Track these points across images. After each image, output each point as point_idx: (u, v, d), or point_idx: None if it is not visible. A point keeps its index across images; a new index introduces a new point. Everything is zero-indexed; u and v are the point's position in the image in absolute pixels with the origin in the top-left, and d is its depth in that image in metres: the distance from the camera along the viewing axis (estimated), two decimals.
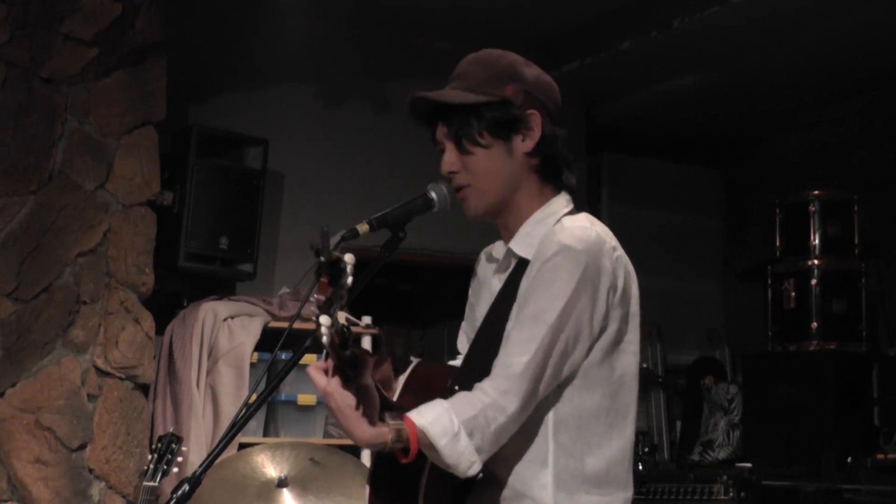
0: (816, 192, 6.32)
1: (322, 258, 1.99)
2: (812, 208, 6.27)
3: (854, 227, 6.26)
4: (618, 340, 2.38)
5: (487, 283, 2.56)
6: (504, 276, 2.46)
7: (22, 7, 5.05)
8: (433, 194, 2.44)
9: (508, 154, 2.41)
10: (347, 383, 2.12)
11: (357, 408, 2.12)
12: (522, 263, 2.40)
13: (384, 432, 2.13)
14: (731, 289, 8.18)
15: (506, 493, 2.34)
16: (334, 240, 2.31)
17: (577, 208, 2.47)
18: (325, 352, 2.06)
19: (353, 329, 2.09)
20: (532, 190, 2.45)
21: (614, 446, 2.38)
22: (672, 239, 8.05)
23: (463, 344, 2.66)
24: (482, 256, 2.63)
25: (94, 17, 5.14)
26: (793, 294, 6.24)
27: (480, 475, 2.29)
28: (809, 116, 7.67)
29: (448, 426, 2.16)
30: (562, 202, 2.46)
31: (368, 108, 6.61)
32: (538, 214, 2.44)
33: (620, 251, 2.39)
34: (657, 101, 7.45)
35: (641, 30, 6.42)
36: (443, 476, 2.25)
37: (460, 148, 2.41)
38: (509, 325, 2.34)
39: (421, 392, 2.34)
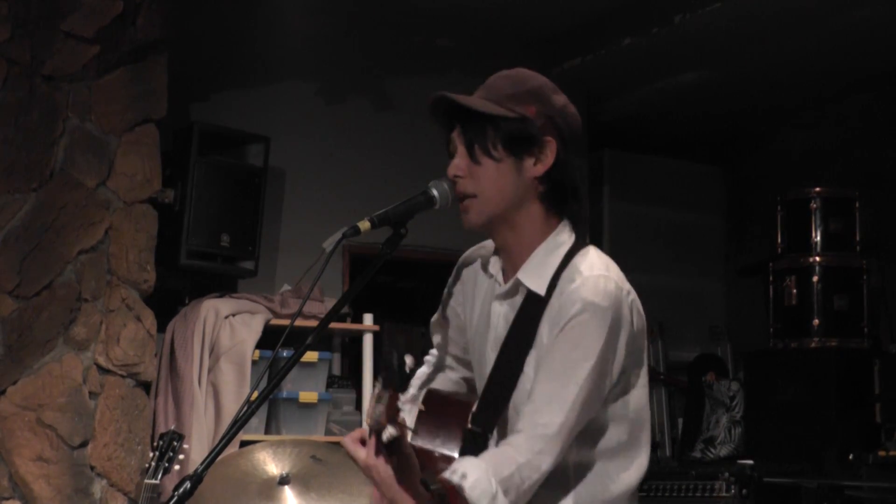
0: (818, 189, 6.32)
1: (397, 380, 2.03)
2: (813, 205, 6.27)
3: (855, 224, 6.26)
4: (631, 378, 2.43)
5: (484, 300, 2.56)
6: (513, 309, 2.46)
7: (23, 5, 5.05)
8: (434, 191, 2.43)
9: (517, 172, 2.41)
10: (391, 455, 2.18)
11: (401, 477, 2.17)
12: (533, 298, 2.41)
13: (426, 498, 2.18)
14: (733, 286, 8.18)
15: None
16: (335, 238, 2.32)
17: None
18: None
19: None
20: (535, 214, 2.45)
21: (633, 476, 2.45)
22: (673, 236, 8.05)
23: (440, 340, 2.74)
24: (469, 261, 2.63)
25: (96, 15, 5.14)
26: (794, 291, 6.24)
27: None
28: (811, 113, 7.66)
29: (487, 488, 2.22)
30: (565, 233, 2.46)
31: (370, 105, 6.61)
32: (547, 245, 2.44)
33: (633, 294, 2.43)
34: (658, 99, 7.45)
35: (643, 27, 6.42)
36: None
37: (471, 155, 2.41)
38: (530, 371, 2.38)
39: (438, 431, 2.39)
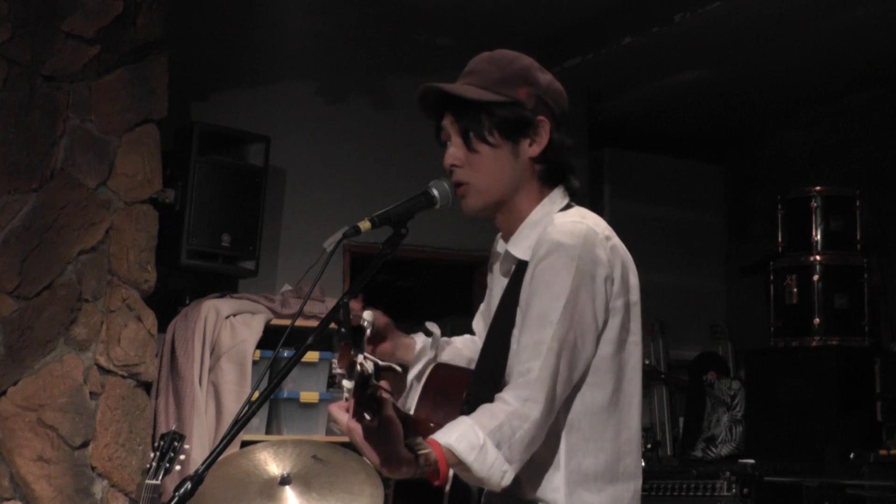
0: (818, 187, 6.32)
1: (343, 329, 2.00)
2: (814, 204, 6.27)
3: (856, 223, 6.26)
4: (623, 331, 2.38)
5: (496, 276, 2.57)
6: (506, 280, 2.47)
7: (23, 5, 5.05)
8: (435, 191, 2.44)
9: (514, 156, 2.42)
10: (371, 417, 2.12)
11: (382, 440, 2.10)
12: (522, 266, 2.40)
13: (412, 461, 2.13)
14: (734, 284, 8.18)
15: (520, 498, 2.34)
16: (335, 238, 2.32)
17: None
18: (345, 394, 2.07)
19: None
20: (532, 193, 2.45)
21: (623, 438, 2.38)
22: (674, 235, 8.05)
23: (479, 325, 2.70)
24: (495, 244, 2.62)
25: (96, 15, 5.14)
26: (795, 290, 6.24)
27: None
28: (811, 112, 7.66)
29: (474, 440, 2.17)
30: (556, 199, 2.46)
31: (370, 104, 6.61)
32: (534, 216, 2.44)
33: (616, 240, 2.39)
34: (659, 97, 7.45)
35: (643, 26, 6.42)
36: (463, 490, 2.27)
37: (467, 144, 2.41)
38: (516, 331, 2.35)
39: (437, 400, 2.39)
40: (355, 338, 1.99)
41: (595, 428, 2.35)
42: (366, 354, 2.02)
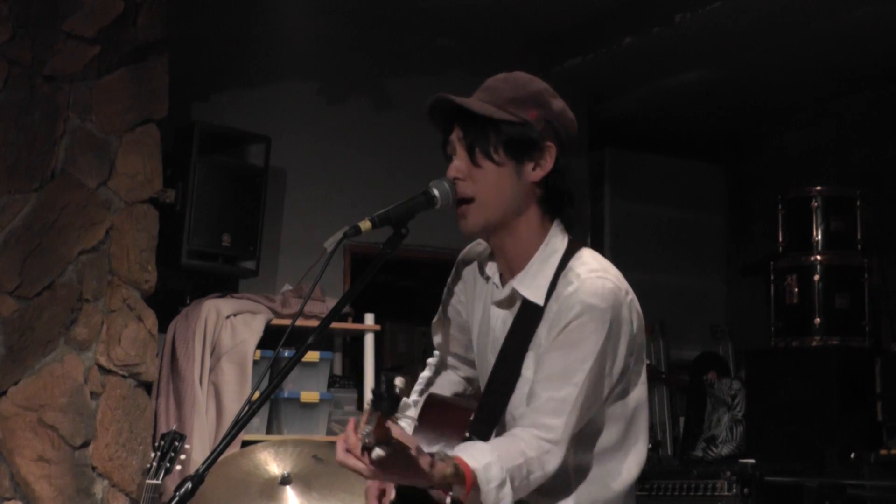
0: (819, 187, 6.31)
1: (385, 402, 2.00)
2: (814, 204, 6.26)
3: (856, 223, 6.25)
4: (632, 373, 2.44)
5: (483, 303, 2.56)
6: (510, 318, 2.47)
7: (24, 5, 5.05)
8: (435, 191, 2.43)
9: (517, 177, 2.41)
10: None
11: (394, 466, 2.13)
12: (530, 307, 2.42)
13: (443, 465, 2.17)
14: (734, 285, 8.18)
15: None
16: (336, 238, 2.32)
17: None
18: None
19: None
20: (532, 219, 2.45)
21: (633, 470, 2.47)
22: (675, 235, 8.05)
23: (441, 341, 2.74)
24: (468, 260, 2.63)
25: (96, 15, 5.14)
26: (795, 290, 6.23)
27: None
28: (812, 112, 7.66)
29: (497, 474, 2.22)
30: (558, 236, 2.47)
31: (370, 105, 6.61)
32: (541, 253, 2.45)
33: (631, 293, 2.43)
34: (659, 98, 7.45)
35: (643, 26, 6.42)
36: None
37: (472, 158, 2.41)
38: (528, 374, 2.39)
39: (437, 438, 2.41)
40: (392, 407, 2.01)
41: (605, 464, 2.44)
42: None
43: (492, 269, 2.53)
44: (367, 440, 2.02)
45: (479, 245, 2.60)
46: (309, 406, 5.51)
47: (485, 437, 2.36)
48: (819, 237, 6.24)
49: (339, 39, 6.50)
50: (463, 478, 2.18)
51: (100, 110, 5.20)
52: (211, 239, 5.56)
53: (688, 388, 7.40)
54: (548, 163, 2.41)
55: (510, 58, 5.66)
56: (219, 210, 5.58)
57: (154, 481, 3.74)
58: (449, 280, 2.69)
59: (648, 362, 2.56)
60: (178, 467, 3.79)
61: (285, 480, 3.85)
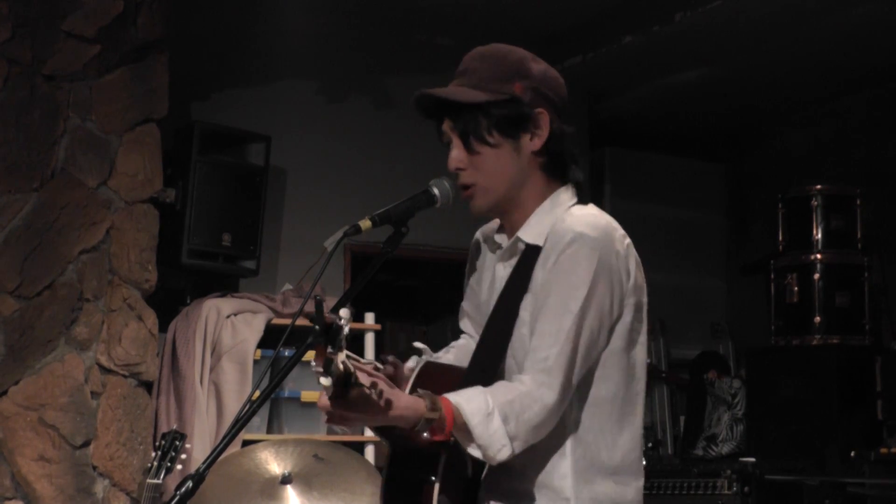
0: (819, 186, 6.30)
1: (317, 326, 2.00)
2: (815, 202, 6.26)
3: (857, 222, 6.25)
4: (633, 329, 2.40)
5: (489, 268, 2.56)
6: (511, 264, 2.46)
7: (24, 4, 5.05)
8: (435, 190, 2.43)
9: (517, 153, 2.41)
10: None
11: (365, 409, 2.11)
12: (531, 250, 2.40)
13: (418, 399, 2.15)
14: (734, 283, 8.18)
15: (525, 483, 2.35)
16: (336, 237, 2.32)
17: (582, 202, 2.48)
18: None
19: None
20: (538, 186, 2.44)
21: (626, 435, 2.39)
22: (675, 234, 8.05)
23: (466, 324, 2.68)
24: (479, 237, 2.62)
25: (96, 14, 5.14)
26: (796, 288, 6.23)
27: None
28: (812, 111, 7.66)
29: (482, 406, 2.18)
30: (567, 194, 2.46)
31: (370, 104, 6.61)
32: (545, 205, 2.44)
33: (629, 240, 2.41)
34: (660, 96, 7.45)
35: (643, 25, 6.42)
36: (456, 469, 2.26)
37: (468, 146, 2.40)
38: (525, 315, 2.35)
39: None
40: (329, 335, 1.99)
41: (600, 420, 2.36)
42: (348, 353, 2.02)
43: (500, 235, 2.53)
44: (313, 368, 2.01)
45: (490, 223, 2.60)
46: (309, 405, 5.51)
47: (484, 380, 2.30)
48: (819, 236, 6.23)
49: (339, 39, 6.50)
50: (442, 413, 2.15)
51: (100, 110, 5.20)
52: (211, 238, 5.56)
53: (688, 386, 7.40)
54: (543, 130, 2.40)
55: None
56: (219, 209, 5.58)
57: (155, 481, 3.74)
58: (467, 264, 2.68)
59: (649, 361, 2.54)
60: (179, 466, 3.80)
61: (286, 480, 3.86)
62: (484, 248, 2.60)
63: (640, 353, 2.42)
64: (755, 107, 7.67)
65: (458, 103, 2.39)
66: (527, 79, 2.40)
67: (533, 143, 2.41)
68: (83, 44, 5.15)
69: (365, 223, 2.35)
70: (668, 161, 8.18)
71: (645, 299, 2.43)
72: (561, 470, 2.34)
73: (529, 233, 2.42)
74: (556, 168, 2.45)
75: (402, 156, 6.41)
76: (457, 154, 2.42)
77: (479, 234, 2.63)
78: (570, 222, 2.35)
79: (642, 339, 2.43)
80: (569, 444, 2.34)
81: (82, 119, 5.17)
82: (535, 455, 2.31)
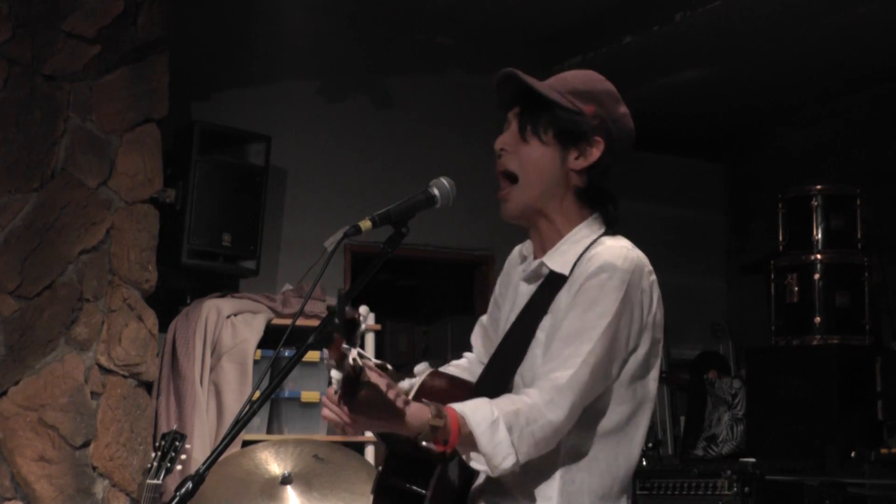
0: (819, 186, 6.31)
1: (338, 320, 2.00)
2: (815, 202, 6.26)
3: (857, 221, 6.25)
4: (646, 365, 2.41)
5: (514, 285, 2.57)
6: (533, 288, 2.47)
7: (24, 4, 5.06)
8: (435, 190, 2.44)
9: (560, 161, 2.43)
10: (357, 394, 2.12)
11: (371, 409, 2.12)
12: (554, 278, 2.42)
13: (423, 406, 2.15)
14: (735, 283, 8.18)
15: (510, 502, 2.35)
16: (336, 237, 2.31)
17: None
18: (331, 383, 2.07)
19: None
20: (568, 208, 2.46)
21: (622, 465, 2.41)
22: (675, 233, 8.05)
23: (476, 338, 2.69)
24: (516, 254, 2.64)
25: (97, 15, 5.15)
26: (796, 288, 6.23)
27: (481, 481, 2.32)
28: (812, 111, 7.66)
29: (488, 414, 2.18)
30: (596, 224, 2.48)
31: (371, 103, 6.61)
32: (575, 234, 2.45)
33: (654, 276, 2.43)
34: (660, 96, 7.44)
35: (643, 25, 6.42)
36: (447, 484, 2.26)
37: (521, 133, 2.44)
38: (542, 335, 2.36)
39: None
40: (348, 330, 1.99)
41: (597, 449, 2.37)
42: (360, 351, 2.02)
43: (528, 250, 2.55)
44: (325, 361, 2.02)
45: (525, 245, 2.60)
46: (309, 406, 5.51)
47: (492, 395, 2.30)
48: (819, 235, 6.23)
49: (339, 38, 6.50)
50: (447, 421, 2.15)
51: (100, 110, 5.20)
52: (211, 238, 5.56)
53: (688, 386, 7.40)
54: (592, 155, 2.43)
55: (510, 56, 5.64)
56: (219, 209, 5.58)
57: (155, 481, 3.74)
58: (499, 276, 2.70)
59: None
60: (179, 467, 3.80)
61: (286, 480, 3.86)
62: (517, 265, 2.61)
63: (652, 391, 2.44)
64: (755, 107, 7.66)
65: (533, 94, 2.42)
66: (602, 108, 2.44)
67: (577, 161, 2.43)
68: (83, 44, 5.15)
69: (365, 223, 2.35)
70: (668, 161, 8.18)
71: (661, 336, 2.44)
72: (547, 492, 2.35)
73: (557, 260, 2.43)
74: (591, 199, 2.47)
75: (402, 156, 6.41)
76: (506, 137, 2.47)
77: (516, 251, 2.64)
78: (602, 252, 2.37)
79: (654, 374, 2.44)
80: (560, 468, 2.35)
81: (82, 119, 5.17)
82: (523, 475, 2.31)
